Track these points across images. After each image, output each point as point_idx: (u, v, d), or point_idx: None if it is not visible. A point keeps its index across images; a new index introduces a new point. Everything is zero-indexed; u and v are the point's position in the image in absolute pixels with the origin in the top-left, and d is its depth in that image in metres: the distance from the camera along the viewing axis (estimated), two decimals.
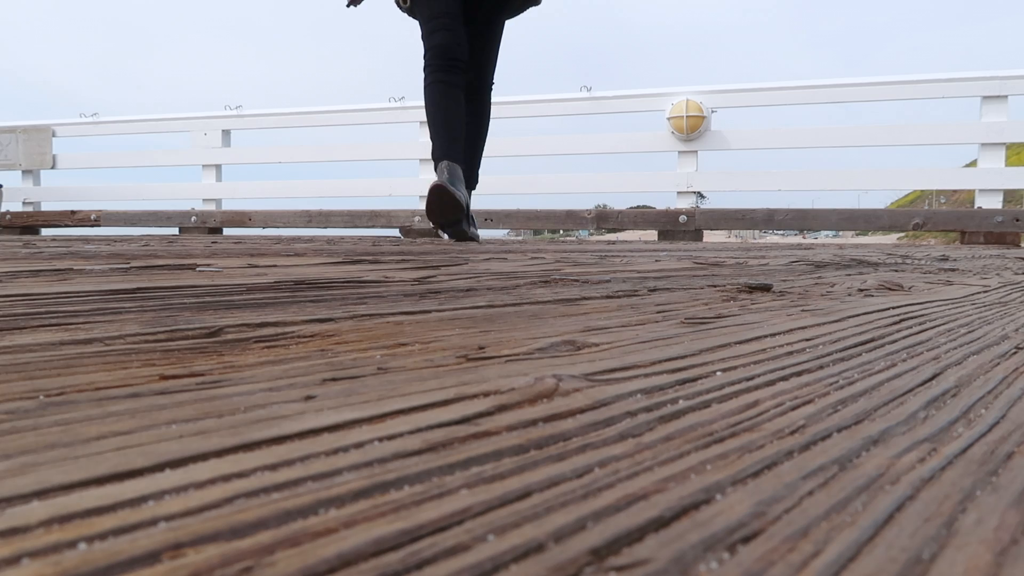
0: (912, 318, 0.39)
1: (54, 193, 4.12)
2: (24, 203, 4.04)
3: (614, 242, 2.58)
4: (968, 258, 1.23)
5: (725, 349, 0.29)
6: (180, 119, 3.88)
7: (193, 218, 3.50)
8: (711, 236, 3.14)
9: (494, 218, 3.08)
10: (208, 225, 3.47)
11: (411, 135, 3.46)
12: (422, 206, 3.41)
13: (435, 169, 1.97)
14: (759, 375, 0.24)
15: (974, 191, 2.88)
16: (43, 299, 0.41)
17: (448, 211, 1.86)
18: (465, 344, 0.29)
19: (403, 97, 3.41)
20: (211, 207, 3.67)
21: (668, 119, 3.08)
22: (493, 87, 2.20)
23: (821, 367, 0.26)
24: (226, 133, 3.77)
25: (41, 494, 0.13)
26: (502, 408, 0.19)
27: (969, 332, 0.35)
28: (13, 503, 0.12)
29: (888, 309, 0.43)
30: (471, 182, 2.15)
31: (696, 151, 3.11)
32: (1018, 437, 0.18)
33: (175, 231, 3.50)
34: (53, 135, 4.03)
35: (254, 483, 0.13)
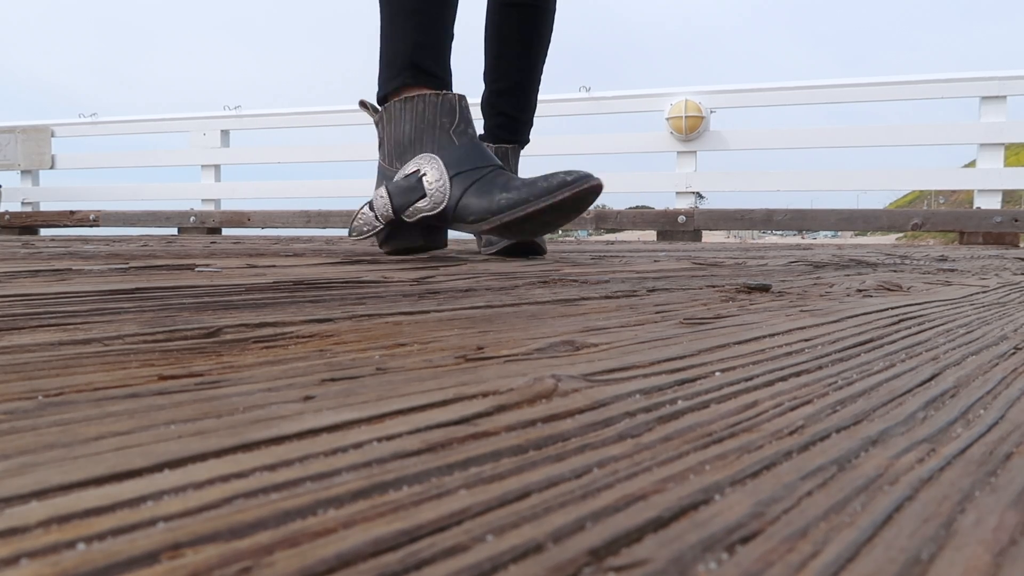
0: (911, 318, 0.39)
1: (53, 193, 4.12)
2: (23, 203, 4.04)
3: (613, 242, 2.58)
4: (967, 258, 1.24)
5: (724, 349, 0.29)
6: (179, 119, 3.88)
7: (192, 218, 3.50)
8: (710, 236, 3.15)
9: None
10: (207, 225, 3.47)
11: None
12: None
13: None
14: (758, 375, 0.24)
15: (973, 191, 2.89)
16: (42, 299, 0.40)
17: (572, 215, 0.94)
18: (464, 344, 0.29)
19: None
20: (210, 207, 3.67)
21: (667, 119, 3.08)
22: None
23: (820, 367, 0.26)
24: (225, 133, 3.77)
25: (40, 494, 0.13)
26: (501, 408, 0.19)
27: (968, 332, 0.35)
28: (12, 503, 0.12)
29: (887, 309, 0.43)
30: (517, 127, 1.19)
31: (695, 151, 3.11)
32: (1017, 438, 0.18)
33: (174, 231, 3.50)
34: (52, 135, 4.03)
35: (253, 483, 0.13)
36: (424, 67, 1.00)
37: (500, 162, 0.99)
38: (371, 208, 0.96)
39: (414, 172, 0.95)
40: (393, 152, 1.00)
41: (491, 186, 0.94)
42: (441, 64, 1.02)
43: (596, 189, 0.93)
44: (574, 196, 0.92)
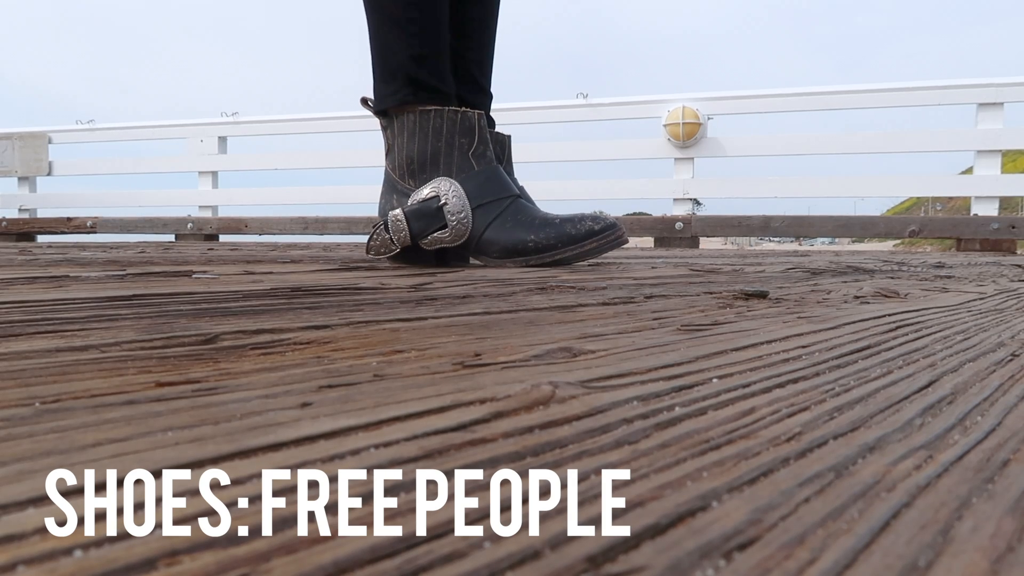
0: (908, 325, 0.40)
1: (50, 200, 4.11)
2: (20, 210, 4.04)
3: None
4: (964, 265, 1.24)
5: (721, 356, 0.29)
6: (176, 126, 3.88)
7: (189, 225, 3.50)
8: (707, 243, 3.15)
9: None
10: (204, 232, 3.46)
11: None
12: None
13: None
14: (755, 382, 0.24)
15: (970, 198, 2.89)
16: (39, 306, 0.40)
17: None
18: (461, 351, 0.29)
19: None
20: (207, 214, 3.66)
21: (664, 126, 3.08)
22: None
23: (817, 374, 0.26)
24: (222, 140, 3.77)
25: (37, 501, 0.13)
26: (498, 415, 0.19)
27: (965, 339, 0.35)
28: (9, 510, 0.12)
29: (884, 316, 0.43)
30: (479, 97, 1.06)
31: (692, 158, 3.11)
32: (1014, 444, 0.18)
33: (171, 238, 3.50)
34: (49, 142, 4.03)
35: (250, 490, 0.13)
36: (424, 82, 0.97)
37: (517, 190, 0.99)
38: (386, 229, 0.94)
39: (433, 198, 0.93)
40: (405, 167, 0.98)
41: (515, 222, 0.94)
42: (440, 76, 0.98)
43: (621, 242, 0.97)
44: (600, 247, 0.94)
